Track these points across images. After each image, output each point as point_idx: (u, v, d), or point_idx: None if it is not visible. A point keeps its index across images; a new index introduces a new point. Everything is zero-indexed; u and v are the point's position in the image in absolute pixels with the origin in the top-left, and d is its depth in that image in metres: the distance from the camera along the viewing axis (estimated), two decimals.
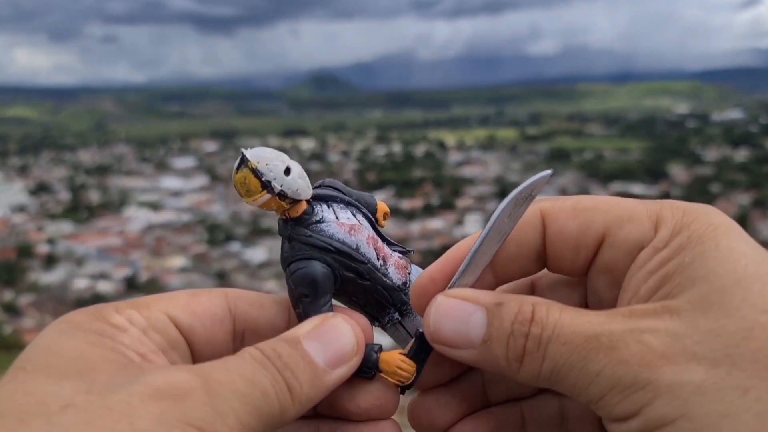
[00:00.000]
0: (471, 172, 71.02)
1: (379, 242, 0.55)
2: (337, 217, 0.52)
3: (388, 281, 0.53)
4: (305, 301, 0.50)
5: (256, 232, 50.40)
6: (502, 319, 0.46)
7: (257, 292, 0.52)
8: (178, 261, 44.24)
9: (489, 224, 0.49)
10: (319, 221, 0.52)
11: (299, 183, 0.50)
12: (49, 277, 41.62)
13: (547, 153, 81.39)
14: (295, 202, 0.51)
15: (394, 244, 0.56)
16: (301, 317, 0.50)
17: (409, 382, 0.50)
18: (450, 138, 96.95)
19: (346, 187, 0.55)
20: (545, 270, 0.52)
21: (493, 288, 0.52)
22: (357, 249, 0.52)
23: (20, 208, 59.11)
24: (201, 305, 0.49)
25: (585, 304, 0.52)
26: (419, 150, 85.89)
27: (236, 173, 0.49)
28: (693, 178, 63.78)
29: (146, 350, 0.44)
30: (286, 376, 0.44)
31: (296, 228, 0.51)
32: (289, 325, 0.50)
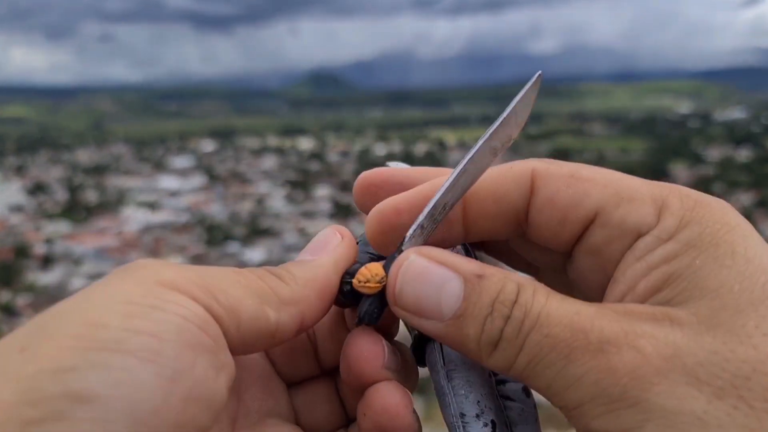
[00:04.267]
0: None
1: None
2: None
3: None
4: None
5: (254, 233, 50.02)
6: (482, 295, 0.38)
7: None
8: (176, 261, 43.58)
9: (472, 150, 0.44)
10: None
11: None
12: (47, 278, 41.28)
13: (548, 152, 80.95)
14: None
15: None
16: None
17: (373, 290, 0.42)
18: (450, 137, 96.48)
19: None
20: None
21: (460, 241, 0.46)
22: None
23: (17, 208, 58.66)
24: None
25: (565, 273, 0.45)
26: (419, 149, 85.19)
27: None
28: (695, 177, 63.45)
29: None
30: (274, 272, 0.41)
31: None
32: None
